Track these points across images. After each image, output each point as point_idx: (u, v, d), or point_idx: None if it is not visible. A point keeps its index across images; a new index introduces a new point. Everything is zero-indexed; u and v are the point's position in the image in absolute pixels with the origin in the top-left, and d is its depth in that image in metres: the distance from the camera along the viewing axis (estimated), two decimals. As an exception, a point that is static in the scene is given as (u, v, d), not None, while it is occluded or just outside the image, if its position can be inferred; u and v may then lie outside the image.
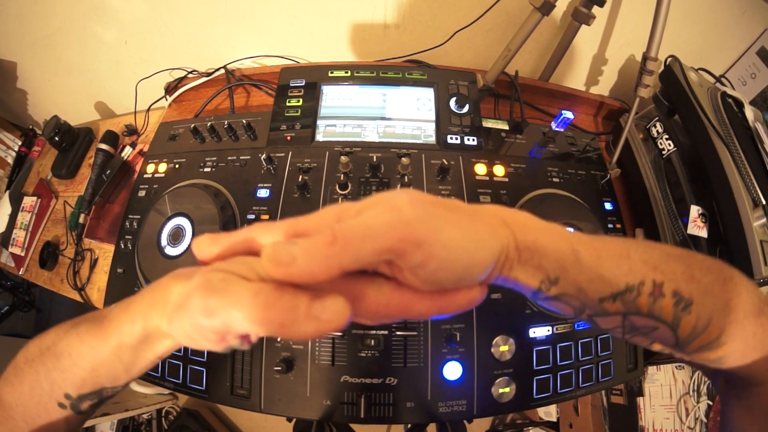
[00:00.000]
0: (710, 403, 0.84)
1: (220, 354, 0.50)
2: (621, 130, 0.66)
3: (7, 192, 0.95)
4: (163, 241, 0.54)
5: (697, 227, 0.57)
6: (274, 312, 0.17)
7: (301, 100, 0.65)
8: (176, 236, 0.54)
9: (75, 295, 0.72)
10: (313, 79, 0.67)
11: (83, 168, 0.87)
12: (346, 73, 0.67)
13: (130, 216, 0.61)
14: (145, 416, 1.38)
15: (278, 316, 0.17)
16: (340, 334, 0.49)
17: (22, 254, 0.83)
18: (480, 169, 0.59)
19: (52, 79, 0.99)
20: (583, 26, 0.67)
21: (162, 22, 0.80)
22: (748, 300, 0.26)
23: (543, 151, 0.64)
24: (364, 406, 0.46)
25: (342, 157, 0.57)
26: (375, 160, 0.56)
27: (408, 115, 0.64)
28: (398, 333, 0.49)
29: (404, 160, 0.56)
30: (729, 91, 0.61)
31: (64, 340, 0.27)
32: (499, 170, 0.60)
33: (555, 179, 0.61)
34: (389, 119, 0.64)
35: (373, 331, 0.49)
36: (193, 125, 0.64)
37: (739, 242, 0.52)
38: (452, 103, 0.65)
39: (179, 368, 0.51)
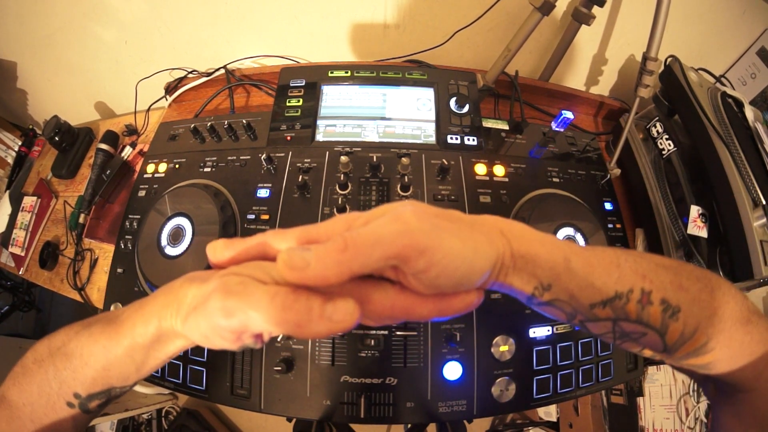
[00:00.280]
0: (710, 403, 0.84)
1: (220, 354, 0.50)
2: (621, 130, 0.66)
3: (7, 192, 0.95)
4: (163, 241, 0.54)
5: (697, 227, 0.57)
6: (290, 313, 0.19)
7: (301, 100, 0.65)
8: (176, 236, 0.54)
9: (75, 295, 0.72)
10: (313, 79, 0.67)
11: (83, 168, 0.87)
12: (346, 73, 0.67)
13: (130, 216, 0.61)
14: (145, 416, 1.38)
15: (294, 316, 0.19)
16: (340, 334, 0.49)
17: (22, 254, 0.83)
18: (480, 169, 0.59)
19: (52, 79, 0.99)
20: (583, 26, 0.67)
21: (162, 22, 0.80)
22: (736, 308, 0.27)
23: (543, 151, 0.64)
24: (364, 406, 0.46)
25: (342, 157, 0.57)
26: (375, 160, 0.56)
27: (408, 115, 0.64)
28: (398, 333, 0.49)
29: (404, 160, 0.56)
30: (729, 91, 0.61)
31: (75, 340, 0.28)
32: (499, 170, 0.60)
33: (555, 179, 0.61)
34: (389, 119, 0.64)
35: (373, 331, 0.49)
36: (193, 125, 0.64)
37: (739, 242, 0.52)
38: (452, 103, 0.65)
39: (179, 368, 0.51)
